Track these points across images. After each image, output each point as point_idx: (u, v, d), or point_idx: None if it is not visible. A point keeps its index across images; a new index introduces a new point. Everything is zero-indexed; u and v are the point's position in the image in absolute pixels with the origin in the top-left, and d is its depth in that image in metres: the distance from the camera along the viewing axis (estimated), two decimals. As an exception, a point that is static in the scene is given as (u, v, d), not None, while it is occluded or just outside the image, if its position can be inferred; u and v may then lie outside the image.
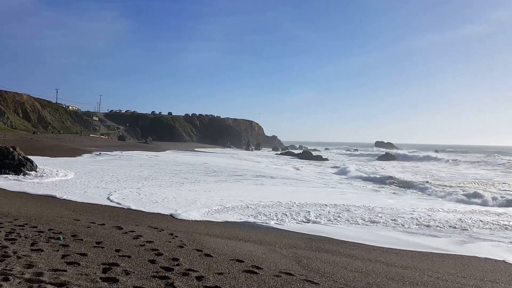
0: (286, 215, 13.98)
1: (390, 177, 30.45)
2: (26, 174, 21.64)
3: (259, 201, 16.92)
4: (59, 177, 22.00)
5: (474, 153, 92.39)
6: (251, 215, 13.80)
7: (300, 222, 13.04)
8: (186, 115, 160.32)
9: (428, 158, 69.61)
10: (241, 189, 21.82)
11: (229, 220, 12.81)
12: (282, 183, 26.00)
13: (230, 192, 19.71)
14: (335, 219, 13.59)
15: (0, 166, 21.51)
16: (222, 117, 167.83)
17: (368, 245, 10.68)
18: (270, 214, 14.00)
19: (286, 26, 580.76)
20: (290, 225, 12.55)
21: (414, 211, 15.99)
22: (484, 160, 63.61)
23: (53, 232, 8.07)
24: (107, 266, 5.81)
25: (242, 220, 12.94)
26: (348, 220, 13.57)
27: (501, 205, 19.40)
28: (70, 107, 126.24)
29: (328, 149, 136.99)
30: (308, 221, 13.24)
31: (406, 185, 27.29)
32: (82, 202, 14.66)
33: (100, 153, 46.95)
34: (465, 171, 46.29)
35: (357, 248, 10.06)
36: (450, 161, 63.83)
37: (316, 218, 13.56)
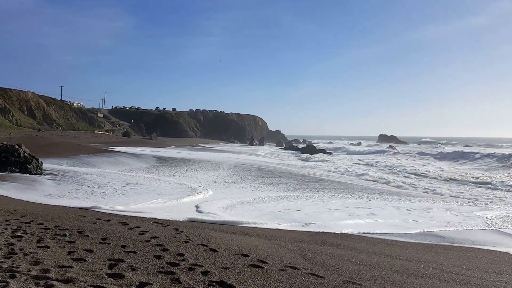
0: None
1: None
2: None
3: None
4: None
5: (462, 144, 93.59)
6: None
7: None
8: (190, 110, 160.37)
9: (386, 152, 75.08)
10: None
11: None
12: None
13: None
14: None
15: (5, 163, 21.64)
16: (226, 112, 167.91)
17: (373, 238, 10.71)
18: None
19: (288, 20, 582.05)
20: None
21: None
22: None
23: (59, 229, 8.12)
24: (113, 262, 5.84)
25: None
26: None
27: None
28: (74, 104, 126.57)
29: (331, 143, 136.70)
30: None
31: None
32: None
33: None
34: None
35: (362, 241, 10.08)
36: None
37: None
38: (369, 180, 28.71)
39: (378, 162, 48.56)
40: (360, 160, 53.43)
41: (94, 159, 34.71)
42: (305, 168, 38.55)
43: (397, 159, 56.58)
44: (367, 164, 45.39)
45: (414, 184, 26.53)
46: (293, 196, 18.91)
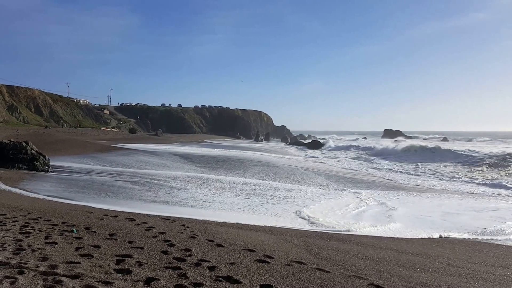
0: None
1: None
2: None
3: None
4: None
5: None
6: None
7: None
8: (196, 107, 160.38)
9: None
10: None
11: None
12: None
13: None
14: None
15: (13, 160, 21.79)
16: (231, 108, 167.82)
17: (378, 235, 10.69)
18: None
19: (291, 18, 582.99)
20: None
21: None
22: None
23: (66, 225, 8.18)
24: (121, 258, 5.88)
25: None
26: None
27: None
28: (81, 101, 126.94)
29: (335, 137, 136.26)
30: None
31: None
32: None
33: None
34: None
35: (368, 236, 10.07)
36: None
37: None
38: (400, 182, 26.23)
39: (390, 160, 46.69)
40: (375, 157, 50.77)
41: (116, 157, 34.12)
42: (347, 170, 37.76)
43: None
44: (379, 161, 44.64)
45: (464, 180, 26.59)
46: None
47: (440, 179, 28.08)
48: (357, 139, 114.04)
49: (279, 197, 17.44)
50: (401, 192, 20.73)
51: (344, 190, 20.65)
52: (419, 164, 38.70)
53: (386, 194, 19.53)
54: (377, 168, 36.57)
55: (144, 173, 24.13)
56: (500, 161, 35.95)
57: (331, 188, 21.32)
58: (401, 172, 33.18)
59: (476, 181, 26.79)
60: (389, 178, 27.98)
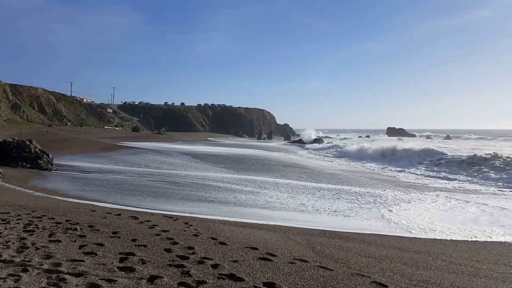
0: None
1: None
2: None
3: None
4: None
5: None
6: None
7: None
8: (199, 105, 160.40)
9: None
10: None
11: None
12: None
13: None
14: None
15: (17, 159, 21.87)
16: (234, 106, 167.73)
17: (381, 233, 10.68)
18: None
19: (295, 15, 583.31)
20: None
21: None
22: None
23: (70, 223, 8.21)
24: (124, 256, 5.91)
25: None
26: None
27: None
28: (84, 100, 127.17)
29: (339, 135, 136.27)
30: None
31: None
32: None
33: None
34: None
35: (371, 234, 10.07)
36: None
37: None
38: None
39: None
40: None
41: (124, 156, 33.30)
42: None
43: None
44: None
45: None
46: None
47: (442, 179, 27.69)
48: (350, 137, 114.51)
49: (364, 201, 15.93)
50: (460, 194, 19.03)
51: (417, 192, 19.03)
52: (418, 164, 38.78)
53: (452, 195, 18.16)
54: (385, 168, 36.17)
55: (173, 173, 22.85)
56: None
57: (407, 192, 19.23)
58: (405, 171, 32.91)
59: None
60: (400, 178, 27.36)
